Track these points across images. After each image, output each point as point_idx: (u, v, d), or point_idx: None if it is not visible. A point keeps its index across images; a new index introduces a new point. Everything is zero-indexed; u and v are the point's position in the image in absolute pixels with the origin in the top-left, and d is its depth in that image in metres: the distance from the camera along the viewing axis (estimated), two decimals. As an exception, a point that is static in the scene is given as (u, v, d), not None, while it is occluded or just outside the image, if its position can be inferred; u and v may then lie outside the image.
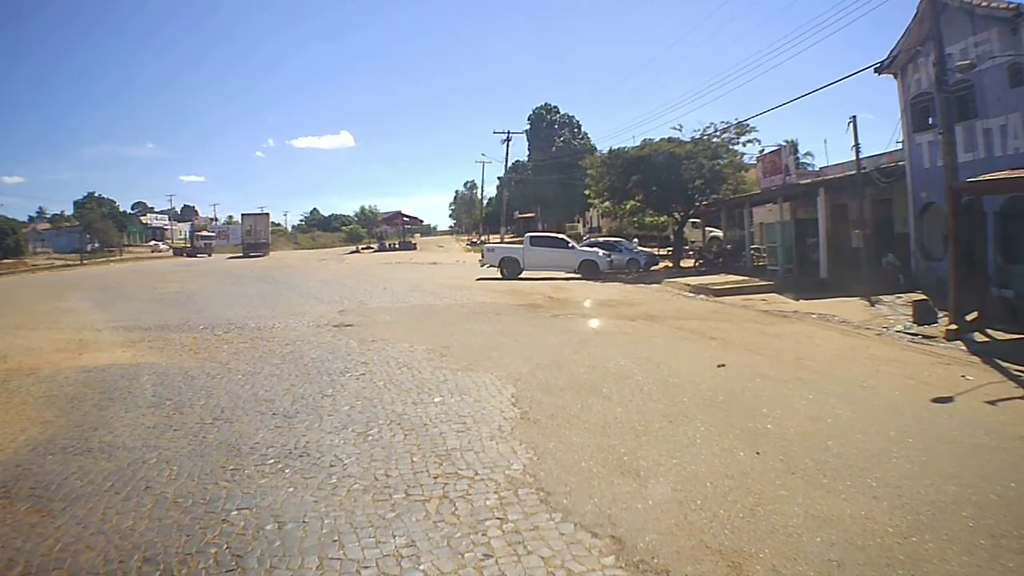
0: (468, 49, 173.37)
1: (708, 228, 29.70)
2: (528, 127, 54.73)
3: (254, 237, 52.05)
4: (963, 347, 8.94)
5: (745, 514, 3.69)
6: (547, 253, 22.49)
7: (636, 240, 29.40)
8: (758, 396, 6.24)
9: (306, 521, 3.64)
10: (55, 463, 4.60)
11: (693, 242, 30.58)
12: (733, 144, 24.98)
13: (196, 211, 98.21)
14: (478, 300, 14.99)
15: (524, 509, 3.79)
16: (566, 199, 46.83)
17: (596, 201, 30.47)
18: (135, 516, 3.72)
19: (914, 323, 10.66)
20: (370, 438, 5.05)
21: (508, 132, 49.15)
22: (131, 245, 66.00)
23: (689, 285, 17.93)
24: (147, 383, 6.92)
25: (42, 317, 12.97)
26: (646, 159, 25.03)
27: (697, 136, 24.92)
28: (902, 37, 14.54)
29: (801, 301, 13.93)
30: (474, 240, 55.81)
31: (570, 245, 23.27)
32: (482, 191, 68.76)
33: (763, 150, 24.57)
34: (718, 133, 24.83)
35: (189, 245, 57.21)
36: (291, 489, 4.09)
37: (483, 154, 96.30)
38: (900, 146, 15.89)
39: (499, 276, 22.02)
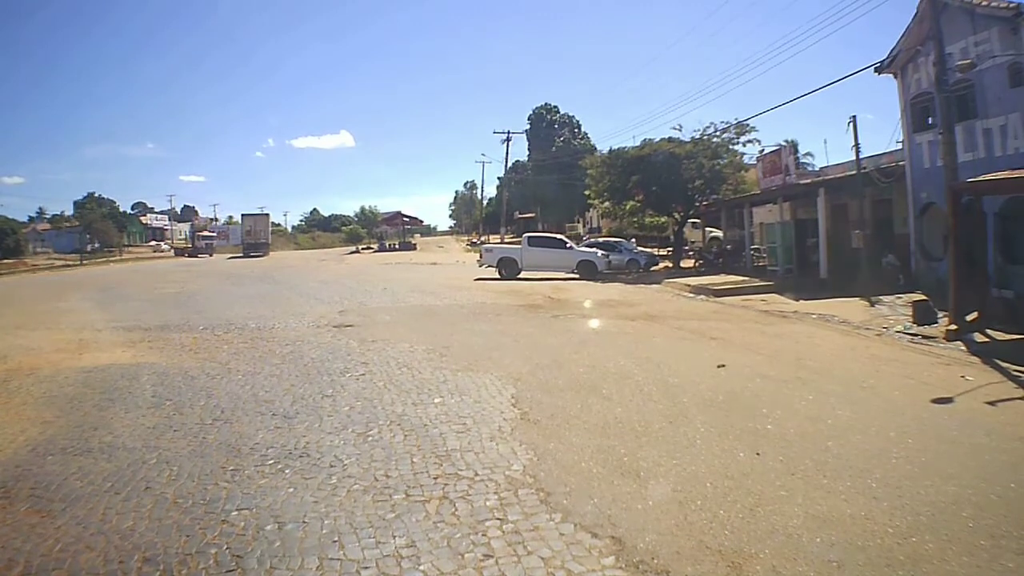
0: (468, 49, 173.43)
1: (708, 228, 29.70)
2: (528, 127, 54.76)
3: (254, 237, 52.14)
4: (963, 347, 8.94)
5: (745, 514, 3.69)
6: (545, 253, 22.51)
7: (634, 240, 29.39)
8: (758, 396, 6.24)
9: (306, 521, 3.64)
10: (55, 463, 4.60)
11: (693, 242, 30.58)
12: (733, 144, 25.01)
13: (196, 211, 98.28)
14: (478, 300, 14.99)
15: (524, 510, 3.79)
16: (566, 199, 46.83)
17: (596, 201, 30.48)
18: (135, 516, 3.73)
19: (914, 323, 10.67)
20: (370, 439, 5.05)
21: (508, 132, 49.27)
22: (131, 245, 66.02)
23: (689, 285, 17.93)
24: (147, 383, 6.92)
25: (42, 317, 12.97)
26: (646, 159, 25.03)
27: (697, 136, 24.94)
28: (902, 37, 14.54)
29: (801, 301, 13.93)
30: (474, 240, 55.79)
31: (568, 245, 23.28)
32: (482, 191, 68.88)
33: (763, 150, 24.59)
34: (718, 133, 24.85)
35: (190, 245, 57.23)
36: (291, 489, 4.09)
37: (483, 154, 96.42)
38: (900, 146, 15.89)
39: (498, 276, 22.03)
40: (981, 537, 3.39)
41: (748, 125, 24.42)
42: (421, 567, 3.16)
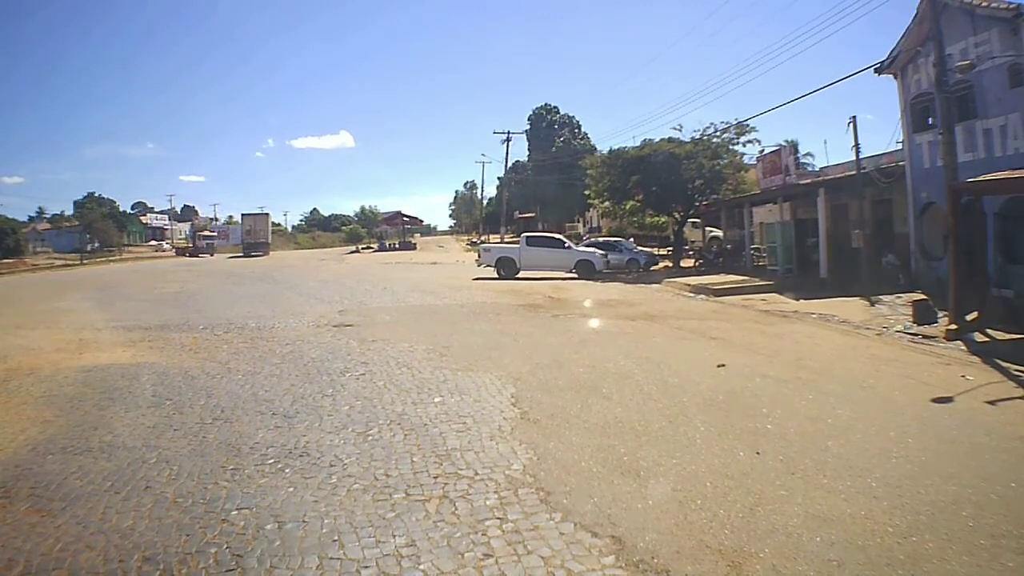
0: (468, 49, 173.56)
1: (708, 228, 29.69)
2: (528, 127, 54.70)
3: (254, 237, 52.30)
4: (963, 347, 8.94)
5: (745, 514, 3.69)
6: (543, 253, 22.54)
7: (632, 240, 29.39)
8: (758, 396, 6.24)
9: (306, 521, 3.64)
10: (55, 463, 4.60)
11: (693, 242, 30.57)
12: (733, 144, 25.01)
13: (196, 211, 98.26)
14: (478, 300, 14.99)
15: (524, 509, 3.79)
16: (566, 199, 46.79)
17: (596, 201, 30.46)
18: (135, 516, 3.72)
19: (914, 323, 10.67)
20: (370, 438, 5.05)
21: (508, 132, 49.25)
22: (131, 245, 66.01)
23: (689, 285, 17.93)
24: (147, 383, 6.92)
25: (42, 317, 12.97)
26: (646, 159, 25.04)
27: (697, 136, 24.95)
28: (902, 37, 14.54)
29: (801, 301, 13.94)
30: (474, 240, 55.77)
31: (566, 245, 23.29)
32: (482, 191, 68.82)
33: (763, 150, 24.60)
34: (718, 133, 24.85)
35: (191, 245, 57.24)
36: (291, 489, 4.09)
37: (483, 154, 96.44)
38: (900, 146, 15.89)
39: (496, 276, 22.05)
40: (981, 536, 3.39)
41: (748, 125, 24.46)
42: (421, 566, 3.16)
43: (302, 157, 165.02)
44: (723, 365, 7.57)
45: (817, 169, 26.68)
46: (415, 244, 56.02)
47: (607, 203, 29.01)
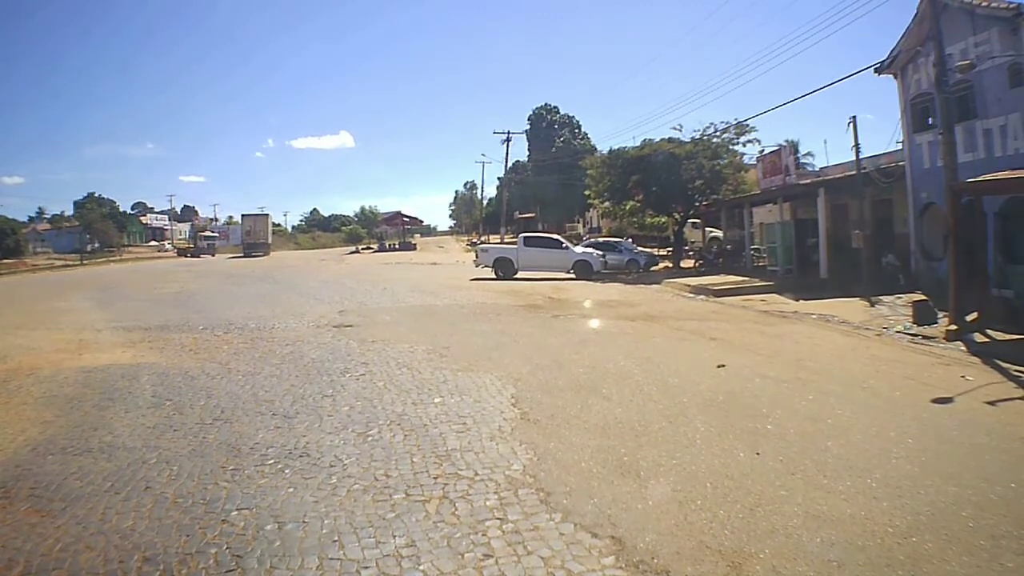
0: (468, 49, 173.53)
1: (708, 228, 29.68)
2: (528, 127, 54.70)
3: (254, 237, 52.33)
4: (963, 347, 8.95)
5: (745, 514, 3.69)
6: (541, 253, 22.57)
7: (630, 240, 29.38)
8: (758, 396, 6.24)
9: (306, 521, 3.64)
10: (55, 463, 4.60)
11: (693, 242, 30.57)
12: (733, 144, 25.02)
13: (196, 211, 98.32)
14: (478, 300, 14.99)
15: (524, 509, 3.79)
16: (566, 199, 46.79)
17: (596, 201, 30.47)
18: (135, 516, 3.73)
19: (914, 323, 10.67)
20: (370, 438, 5.05)
21: (508, 132, 49.19)
22: (131, 245, 65.98)
23: (689, 285, 17.93)
24: (147, 383, 6.92)
25: (42, 317, 12.97)
26: (646, 159, 25.04)
27: (697, 136, 24.95)
28: (902, 37, 14.55)
29: (801, 301, 13.94)
30: (474, 240, 55.75)
31: (564, 246, 23.32)
32: (482, 191, 68.82)
33: (763, 150, 24.60)
34: (718, 133, 24.85)
35: (192, 245, 57.24)
36: (291, 489, 4.09)
37: (483, 154, 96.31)
38: (900, 146, 15.90)
39: (494, 276, 22.08)
40: (981, 537, 3.39)
41: (748, 125, 24.47)
42: (421, 567, 3.16)
43: (302, 157, 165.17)
44: (723, 365, 7.57)
45: (817, 169, 26.69)
46: (415, 244, 56.03)
47: (607, 203, 29.02)
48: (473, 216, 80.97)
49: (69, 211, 74.81)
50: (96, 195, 75.95)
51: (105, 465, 4.54)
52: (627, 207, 27.70)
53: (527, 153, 56.16)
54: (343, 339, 9.57)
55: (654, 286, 19.13)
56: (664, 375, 7.14)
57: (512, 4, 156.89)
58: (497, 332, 10.29)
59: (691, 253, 27.65)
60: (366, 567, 3.17)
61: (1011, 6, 11.69)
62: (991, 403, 6.05)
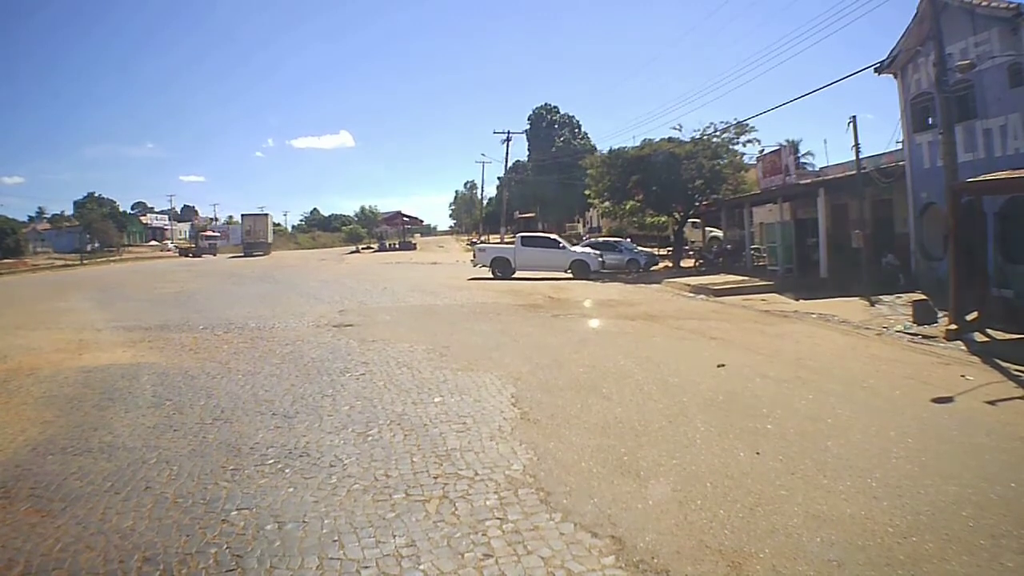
0: (468, 49, 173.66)
1: (708, 228, 29.69)
2: (528, 127, 54.64)
3: (253, 237, 52.50)
4: (963, 347, 8.95)
5: (745, 514, 3.69)
6: (538, 253, 22.59)
7: (629, 240, 29.38)
8: (758, 396, 6.24)
9: (306, 521, 3.64)
10: (55, 463, 4.60)
11: (693, 242, 30.57)
12: (733, 144, 25.02)
13: (196, 211, 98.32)
14: (478, 300, 14.99)
15: (524, 509, 3.79)
16: (566, 199, 46.77)
17: (596, 201, 30.47)
18: (135, 516, 3.72)
19: (914, 323, 10.67)
20: (370, 438, 5.05)
21: (508, 132, 49.07)
22: (131, 245, 65.98)
23: (689, 285, 17.93)
24: (147, 383, 6.92)
25: (42, 317, 12.97)
26: (646, 159, 25.03)
27: (697, 136, 24.96)
28: (902, 37, 14.55)
29: (801, 301, 13.94)
30: (474, 240, 55.73)
31: (561, 245, 23.34)
32: (482, 191, 68.72)
33: (763, 150, 24.61)
34: (718, 133, 24.85)
35: (194, 245, 57.29)
36: (291, 489, 4.09)
37: (483, 154, 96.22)
38: (900, 146, 15.90)
39: (492, 276, 22.10)
40: (981, 537, 3.39)
41: (748, 125, 24.48)
42: (421, 566, 3.16)
43: (302, 157, 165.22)
44: (723, 365, 7.57)
45: (817, 169, 26.69)
46: (415, 244, 56.02)
47: (607, 203, 29.02)
48: (473, 216, 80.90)
49: (69, 211, 74.80)
50: (96, 195, 75.87)
51: (105, 465, 4.54)
52: (627, 207, 27.71)
53: (527, 153, 56.15)
54: (343, 339, 9.57)
55: (654, 286, 19.13)
56: (664, 374, 7.14)
57: (512, 4, 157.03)
58: (497, 331, 10.29)
59: (691, 253, 27.65)
60: (366, 567, 3.17)
61: (1011, 6, 11.69)
62: (991, 403, 6.05)
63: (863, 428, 5.22)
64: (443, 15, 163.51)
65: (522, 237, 24.55)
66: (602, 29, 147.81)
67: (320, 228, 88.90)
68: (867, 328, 10.70)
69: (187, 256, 51.98)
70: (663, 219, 29.57)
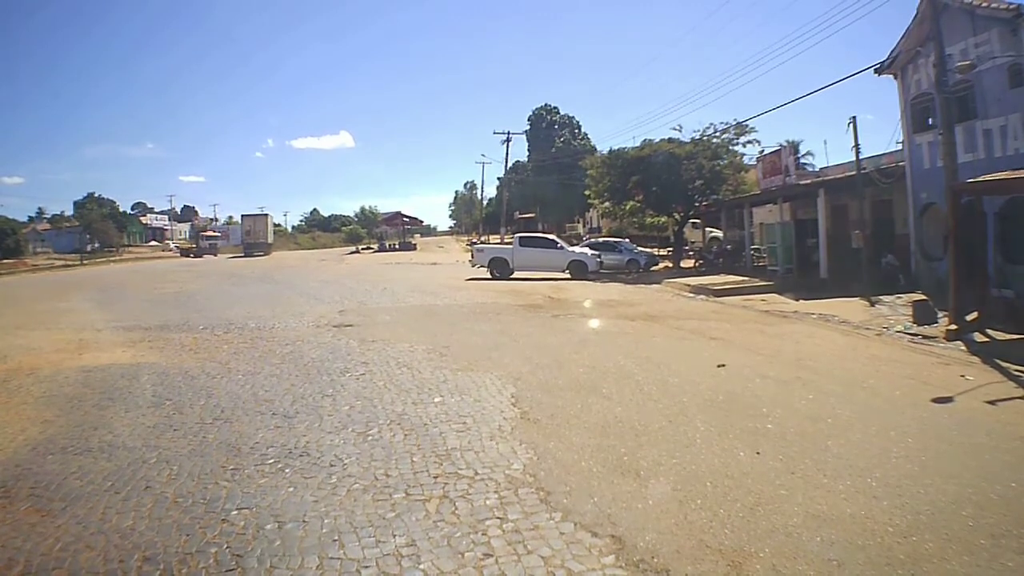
0: (468, 49, 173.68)
1: (708, 228, 29.69)
2: (528, 127, 54.67)
3: (253, 237, 52.76)
4: (963, 347, 8.95)
5: (745, 514, 3.69)
6: (536, 253, 22.61)
7: (627, 240, 29.38)
8: (758, 396, 6.24)
9: (306, 521, 3.64)
10: (55, 463, 4.60)
11: (693, 243, 30.58)
12: (733, 145, 25.02)
13: (196, 211, 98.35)
14: (478, 300, 14.99)
15: (524, 509, 3.79)
16: (566, 199, 46.78)
17: (596, 202, 30.47)
18: (135, 516, 3.72)
19: (914, 323, 10.67)
20: (370, 438, 5.05)
21: (508, 132, 49.10)
22: (131, 245, 66.01)
23: (689, 285, 17.93)
24: (147, 383, 6.92)
25: (42, 317, 12.97)
26: (646, 159, 25.04)
27: (697, 137, 24.96)
28: (902, 38, 14.55)
29: (801, 301, 13.94)
30: (474, 240, 55.73)
31: (559, 245, 23.37)
32: (482, 191, 68.73)
33: (763, 151, 24.63)
34: (718, 134, 24.86)
35: (195, 245, 57.39)
36: (291, 489, 4.09)
37: (483, 154, 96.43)
38: (900, 146, 15.90)
39: (490, 276, 22.11)
40: (981, 536, 3.39)
41: (748, 126, 24.50)
42: (421, 566, 3.16)
43: (302, 157, 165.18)
44: (723, 365, 7.57)
45: (817, 169, 26.70)
46: (415, 244, 56.03)
47: (607, 204, 29.02)
48: (473, 216, 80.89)
49: (69, 211, 74.88)
50: (96, 195, 75.95)
51: (105, 465, 4.54)
52: (627, 207, 27.71)
53: (527, 153, 56.18)
54: (343, 339, 9.57)
55: (654, 286, 19.13)
56: (664, 375, 7.14)
57: (512, 4, 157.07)
58: (497, 332, 10.29)
59: (691, 253, 27.65)
60: (366, 566, 3.17)
61: (1011, 6, 11.70)
62: (991, 402, 6.05)
63: (863, 428, 5.21)
64: (443, 15, 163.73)
65: (520, 237, 24.58)
66: (602, 29, 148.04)
67: (320, 228, 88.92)
68: (867, 328, 10.70)
69: (188, 256, 52.08)
70: (663, 219, 29.57)
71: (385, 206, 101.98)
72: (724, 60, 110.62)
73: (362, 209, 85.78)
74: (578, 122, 55.74)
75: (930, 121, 14.43)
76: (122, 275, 28.23)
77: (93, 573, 3.14)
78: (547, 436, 5.09)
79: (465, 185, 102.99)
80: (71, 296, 17.66)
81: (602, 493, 3.99)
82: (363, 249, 55.51)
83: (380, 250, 52.47)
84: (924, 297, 12.40)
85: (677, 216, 26.97)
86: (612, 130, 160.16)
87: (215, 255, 51.95)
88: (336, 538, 3.44)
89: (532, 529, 3.53)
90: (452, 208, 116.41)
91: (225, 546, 3.36)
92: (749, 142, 24.67)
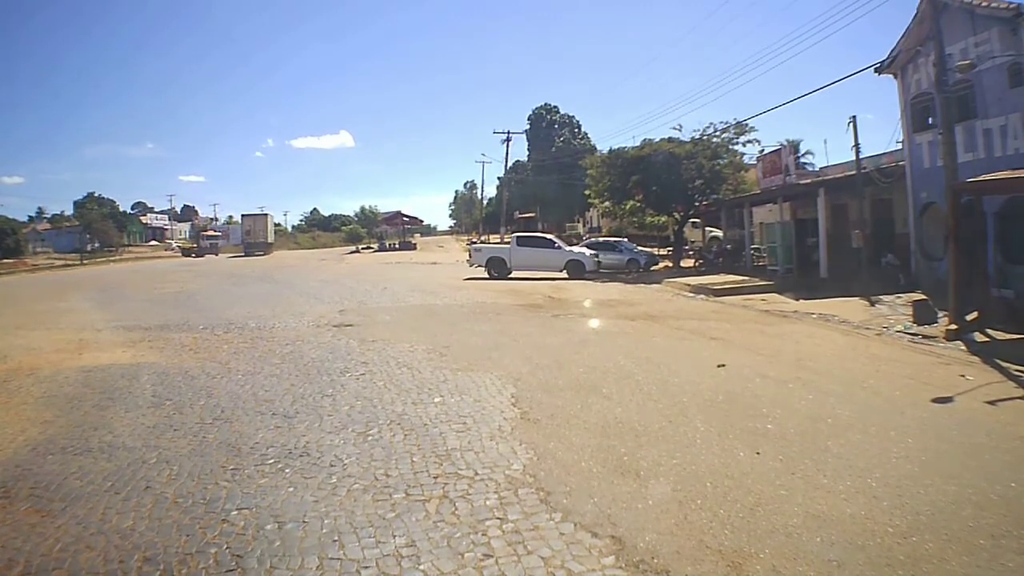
0: (468, 49, 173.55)
1: (708, 228, 29.69)
2: (528, 127, 54.63)
3: (253, 237, 52.96)
4: (963, 347, 8.95)
5: (745, 514, 3.69)
6: (533, 253, 22.61)
7: (626, 240, 29.37)
8: (758, 396, 6.24)
9: (306, 521, 3.64)
10: (55, 463, 4.60)
11: (693, 242, 30.57)
12: (733, 144, 25.02)
13: (196, 211, 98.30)
14: (478, 300, 14.99)
15: (524, 509, 3.79)
16: (566, 199, 46.78)
17: (596, 201, 30.46)
18: (135, 516, 3.72)
19: (914, 323, 10.67)
20: (370, 438, 5.05)
21: (508, 132, 49.09)
22: (131, 245, 66.03)
23: (689, 285, 17.93)
24: (147, 383, 6.92)
25: (42, 317, 12.97)
26: (646, 159, 25.04)
27: (697, 136, 24.96)
28: (902, 37, 14.55)
29: (801, 301, 13.93)
30: (473, 240, 55.76)
31: (556, 245, 23.36)
32: (482, 191, 68.74)
33: (763, 150, 24.63)
34: (718, 133, 24.86)
35: (196, 245, 57.49)
36: (291, 489, 4.09)
37: (483, 154, 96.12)
38: (900, 146, 15.90)
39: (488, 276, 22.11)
40: (981, 536, 3.39)
41: (748, 125, 24.49)
42: (421, 566, 3.16)
43: (302, 157, 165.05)
44: (723, 365, 7.57)
45: (817, 169, 26.71)
46: (415, 244, 56.02)
47: (607, 203, 29.01)
48: (473, 216, 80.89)
49: (69, 211, 74.86)
50: (96, 195, 75.96)
51: (105, 465, 4.54)
52: (627, 207, 27.71)
53: (527, 153, 56.15)
54: (343, 338, 9.57)
55: (654, 286, 19.13)
56: (664, 375, 7.14)
57: (512, 4, 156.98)
58: (497, 332, 10.29)
59: (691, 253, 27.65)
60: (366, 567, 3.17)
61: (1011, 6, 11.70)
62: (991, 403, 6.05)
63: (863, 428, 5.21)
64: (443, 15, 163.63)
65: (517, 237, 24.59)
66: (602, 29, 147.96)
67: (320, 228, 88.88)
68: (867, 328, 10.70)
69: (190, 256, 52.19)
70: (663, 219, 29.57)
71: (385, 206, 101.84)
72: (724, 60, 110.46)
73: (362, 209, 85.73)
74: (578, 122, 55.75)
75: (930, 121, 14.43)
76: (122, 275, 28.23)
77: (93, 573, 3.14)
78: (547, 436, 5.09)
79: (465, 185, 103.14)
80: (71, 296, 17.66)
81: (602, 493, 3.99)
82: (363, 249, 55.50)
83: (380, 250, 52.47)
84: (924, 297, 12.40)
85: (677, 216, 26.97)
86: (612, 130, 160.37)
87: (216, 254, 52.12)
88: (336, 538, 3.44)
89: (532, 529, 3.53)
90: (452, 208, 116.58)
91: (225, 546, 3.36)
92: (749, 142, 24.72)
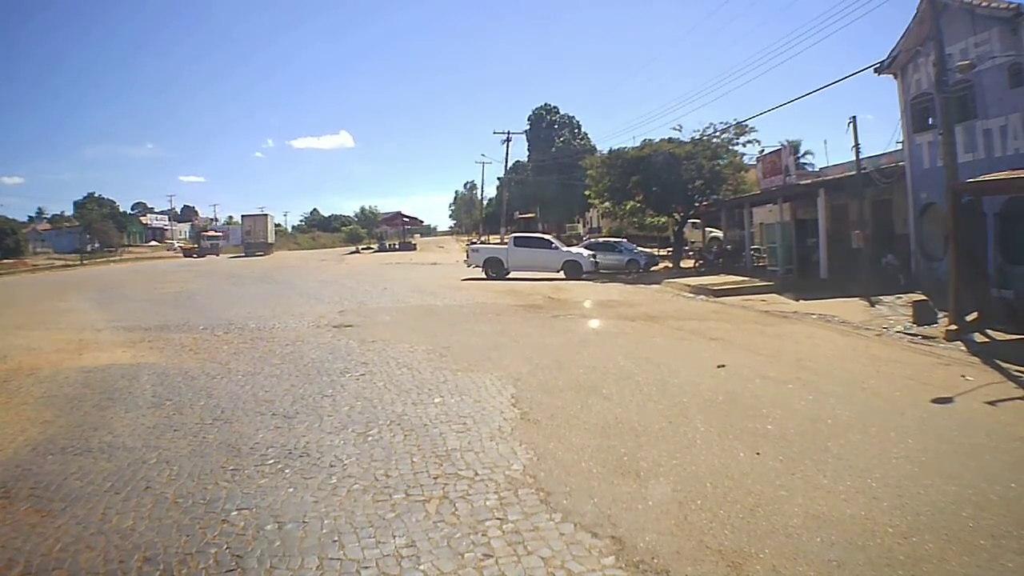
0: (468, 49, 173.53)
1: (708, 229, 29.69)
2: (528, 127, 54.57)
3: (253, 237, 53.12)
4: (963, 347, 8.94)
5: (745, 514, 3.69)
6: (531, 253, 22.60)
7: (625, 240, 29.36)
8: (758, 397, 6.24)
9: (306, 521, 3.64)
10: (55, 463, 4.60)
11: (693, 243, 30.57)
12: (733, 144, 25.01)
13: (196, 211, 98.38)
14: (477, 300, 14.99)
15: (524, 509, 3.79)
16: (566, 199, 46.75)
17: (596, 202, 30.46)
18: (135, 516, 3.73)
19: (914, 323, 10.67)
20: (370, 438, 5.05)
21: (508, 132, 49.10)
22: (131, 245, 66.05)
23: (689, 286, 17.93)
24: (147, 383, 6.92)
25: (42, 317, 12.97)
26: (646, 159, 25.03)
27: (697, 136, 24.95)
28: (902, 37, 14.55)
29: (801, 301, 13.93)
30: (473, 240, 55.74)
31: (553, 245, 23.36)
32: (482, 191, 68.66)
33: (763, 150, 24.62)
34: (718, 133, 24.85)
35: (197, 245, 57.57)
36: (291, 489, 4.09)
37: (483, 154, 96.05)
38: (900, 146, 15.91)
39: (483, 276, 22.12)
40: (981, 537, 3.39)
41: (748, 125, 24.47)
42: (421, 567, 3.16)
43: (302, 157, 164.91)
44: (723, 366, 7.57)
45: (817, 169, 26.71)
46: (415, 245, 56.02)
47: (607, 204, 29.00)
48: (473, 216, 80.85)
49: (69, 211, 74.88)
50: (96, 195, 75.95)
51: (105, 465, 4.54)
52: (627, 207, 27.69)
53: (527, 153, 56.07)
54: (343, 339, 9.57)
55: (654, 286, 19.13)
56: (664, 375, 7.14)
57: (512, 4, 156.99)
58: (497, 332, 10.29)
59: (691, 253, 27.64)
60: (366, 567, 3.17)
61: (1011, 6, 11.70)
62: (991, 403, 6.05)
63: (863, 428, 5.21)
64: (443, 15, 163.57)
65: (515, 237, 24.60)
66: (602, 29, 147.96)
67: (320, 228, 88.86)
68: (867, 329, 10.70)
69: (191, 256, 52.30)
70: (663, 219, 29.56)
71: (385, 206, 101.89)
72: (724, 60, 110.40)
73: (362, 209, 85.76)
74: (578, 122, 55.68)
75: (930, 121, 14.43)
76: (122, 275, 28.24)
77: (93, 574, 3.14)
78: (547, 437, 5.09)
79: (465, 185, 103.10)
80: (71, 296, 17.66)
81: (602, 494, 3.99)
82: (363, 249, 55.51)
83: (380, 250, 52.48)
84: (924, 297, 12.39)
85: (677, 216, 26.95)
86: (612, 130, 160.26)
87: (217, 255, 52.23)
88: (336, 539, 3.44)
89: (532, 530, 3.53)
90: (452, 208, 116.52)
91: (225, 546, 3.36)
92: (749, 142, 24.68)
